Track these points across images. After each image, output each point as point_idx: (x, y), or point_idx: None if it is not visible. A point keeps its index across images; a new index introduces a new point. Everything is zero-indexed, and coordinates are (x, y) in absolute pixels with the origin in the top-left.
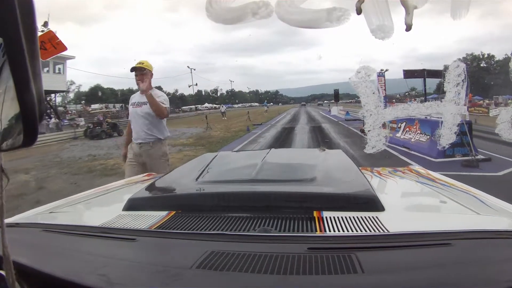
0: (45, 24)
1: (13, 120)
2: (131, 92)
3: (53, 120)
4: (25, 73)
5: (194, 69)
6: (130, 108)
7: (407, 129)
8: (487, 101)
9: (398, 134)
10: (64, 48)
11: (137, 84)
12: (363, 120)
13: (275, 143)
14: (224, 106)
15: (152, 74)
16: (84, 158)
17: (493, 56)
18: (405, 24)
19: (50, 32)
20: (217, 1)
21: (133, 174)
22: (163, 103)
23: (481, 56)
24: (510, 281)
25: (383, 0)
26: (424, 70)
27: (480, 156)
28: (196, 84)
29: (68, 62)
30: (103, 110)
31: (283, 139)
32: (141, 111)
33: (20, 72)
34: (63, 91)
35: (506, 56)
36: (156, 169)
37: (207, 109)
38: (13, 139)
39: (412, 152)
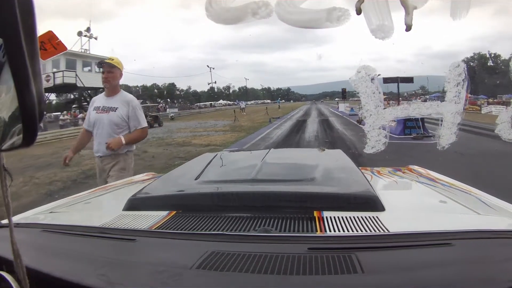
0: (88, 29)
1: (13, 120)
2: (145, 89)
3: None
4: (25, 73)
5: (213, 68)
6: (93, 113)
7: None
8: (481, 100)
9: None
10: (64, 48)
11: (103, 82)
12: (360, 114)
13: (294, 129)
14: (243, 102)
15: (122, 73)
16: (155, 139)
17: (499, 56)
18: (405, 24)
19: (50, 32)
20: (217, 1)
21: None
22: (140, 123)
23: (487, 55)
24: (510, 281)
25: (383, 0)
26: (398, 77)
27: (429, 134)
28: (215, 82)
29: None
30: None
31: (299, 127)
32: (108, 118)
33: (20, 72)
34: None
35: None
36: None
37: (223, 106)
38: (13, 139)
39: (390, 134)
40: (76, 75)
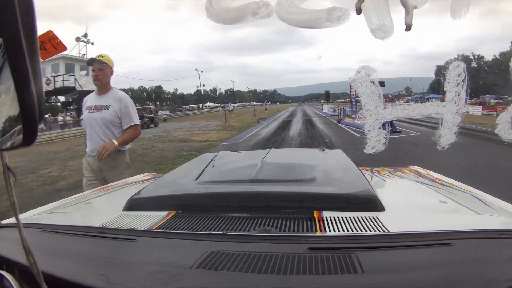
0: (85, 35)
1: (13, 120)
2: (132, 91)
3: None
4: (25, 73)
5: (202, 71)
6: (85, 113)
7: (360, 117)
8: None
9: (356, 121)
10: (64, 48)
11: (94, 80)
12: (339, 114)
13: (280, 128)
14: (232, 105)
15: (112, 71)
16: (157, 137)
17: (482, 57)
18: (405, 24)
19: (50, 32)
20: (217, 1)
21: None
22: (133, 120)
23: (471, 57)
24: (510, 281)
25: (383, 0)
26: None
27: (396, 130)
28: (204, 85)
29: None
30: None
31: (284, 126)
32: (101, 116)
33: (20, 72)
34: None
35: (495, 56)
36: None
37: (210, 108)
38: (12, 139)
39: (361, 130)
40: (75, 78)
